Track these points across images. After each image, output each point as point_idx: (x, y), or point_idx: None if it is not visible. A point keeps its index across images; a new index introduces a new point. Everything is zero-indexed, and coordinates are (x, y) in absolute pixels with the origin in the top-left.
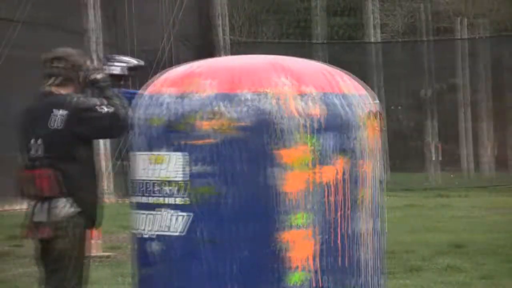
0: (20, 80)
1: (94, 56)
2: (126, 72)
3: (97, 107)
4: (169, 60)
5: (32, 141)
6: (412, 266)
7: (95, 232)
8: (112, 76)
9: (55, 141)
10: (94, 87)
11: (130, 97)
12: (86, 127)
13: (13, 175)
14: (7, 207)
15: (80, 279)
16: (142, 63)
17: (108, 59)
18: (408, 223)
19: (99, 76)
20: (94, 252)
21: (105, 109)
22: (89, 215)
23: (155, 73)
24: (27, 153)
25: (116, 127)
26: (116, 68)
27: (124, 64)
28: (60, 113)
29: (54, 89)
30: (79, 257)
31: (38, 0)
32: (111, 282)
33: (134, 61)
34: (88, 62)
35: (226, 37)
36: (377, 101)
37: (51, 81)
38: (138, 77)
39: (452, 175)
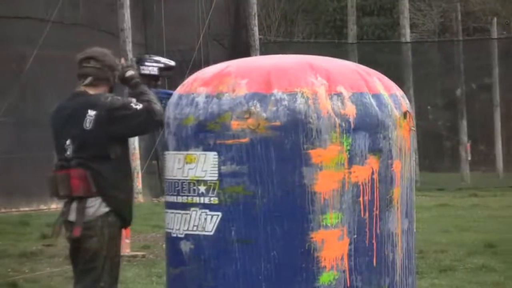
0: (55, 80)
1: (129, 56)
2: (161, 73)
3: (131, 105)
4: (204, 59)
5: (68, 141)
6: (446, 266)
7: (128, 231)
8: (148, 76)
9: (90, 141)
10: (129, 84)
11: (166, 97)
12: (121, 126)
13: (48, 174)
14: (42, 206)
15: (115, 279)
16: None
17: (144, 60)
18: (441, 222)
19: (133, 72)
20: (127, 252)
21: (140, 105)
22: (123, 214)
23: (190, 72)
24: (62, 153)
25: (151, 122)
26: (153, 69)
27: (161, 65)
28: (94, 114)
29: (87, 89)
30: (113, 257)
31: (74, 0)
32: (146, 281)
33: (169, 62)
34: (122, 60)
35: (262, 37)
36: (409, 101)
37: (86, 81)
38: (173, 77)
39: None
